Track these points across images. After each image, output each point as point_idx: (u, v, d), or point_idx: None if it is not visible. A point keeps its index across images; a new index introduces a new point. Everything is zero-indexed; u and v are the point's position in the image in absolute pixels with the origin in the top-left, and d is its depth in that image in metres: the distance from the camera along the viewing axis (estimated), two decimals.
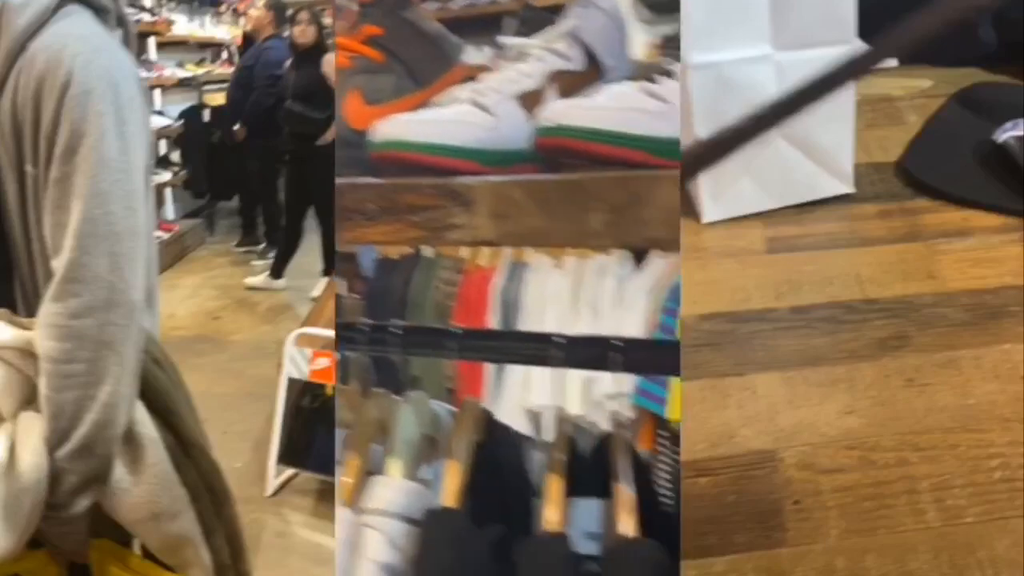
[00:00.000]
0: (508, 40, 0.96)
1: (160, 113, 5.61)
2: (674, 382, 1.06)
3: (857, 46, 1.25)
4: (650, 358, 0.93)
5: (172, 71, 5.95)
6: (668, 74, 0.80)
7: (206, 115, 6.12)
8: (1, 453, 0.90)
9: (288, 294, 4.73)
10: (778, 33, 1.37)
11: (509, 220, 0.78)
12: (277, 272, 4.84)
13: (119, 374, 0.92)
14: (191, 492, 1.00)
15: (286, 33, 4.81)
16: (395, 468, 1.00)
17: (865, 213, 1.43)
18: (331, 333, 2.57)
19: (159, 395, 1.00)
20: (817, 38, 1.32)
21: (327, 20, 4.87)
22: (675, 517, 0.97)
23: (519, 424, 1.05)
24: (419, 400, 1.06)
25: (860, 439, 0.97)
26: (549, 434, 1.01)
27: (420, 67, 0.99)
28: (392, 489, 0.97)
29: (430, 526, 0.92)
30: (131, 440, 0.96)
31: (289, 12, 4.85)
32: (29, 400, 0.93)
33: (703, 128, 1.34)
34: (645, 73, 0.81)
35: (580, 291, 1.23)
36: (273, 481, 2.70)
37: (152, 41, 5.70)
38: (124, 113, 0.92)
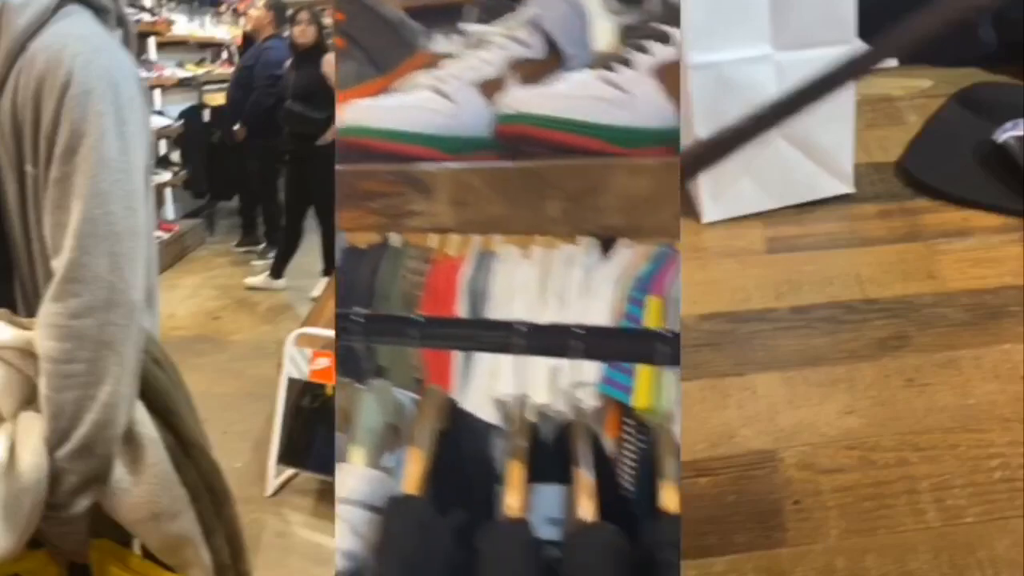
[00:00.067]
0: (469, 27, 0.96)
1: (160, 113, 5.61)
2: (642, 371, 1.07)
3: (857, 46, 1.25)
4: (611, 346, 0.94)
5: (172, 71, 5.95)
6: (628, 63, 0.80)
7: (206, 115, 6.12)
8: (1, 453, 0.90)
9: (288, 294, 4.73)
10: (778, 33, 1.37)
11: (468, 207, 0.78)
12: (277, 272, 4.84)
13: (119, 374, 0.92)
14: (191, 492, 1.00)
15: (286, 33, 4.81)
16: (357, 456, 1.00)
17: (865, 213, 1.43)
18: (331, 333, 2.57)
19: (159, 395, 1.00)
20: (817, 38, 1.32)
21: (327, 20, 4.86)
22: (636, 503, 0.97)
23: (487, 413, 1.06)
24: (382, 389, 1.07)
25: (860, 439, 0.97)
26: (513, 422, 1.02)
27: (381, 53, 0.99)
28: (354, 477, 0.98)
29: (391, 513, 0.93)
30: (131, 440, 0.96)
31: (289, 12, 4.85)
32: (29, 400, 0.93)
33: (703, 128, 1.34)
34: (605, 62, 0.81)
35: (548, 281, 1.24)
36: (273, 481, 2.70)
37: (152, 41, 5.69)
38: (124, 113, 0.92)
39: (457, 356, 1.26)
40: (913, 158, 1.57)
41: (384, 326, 1.01)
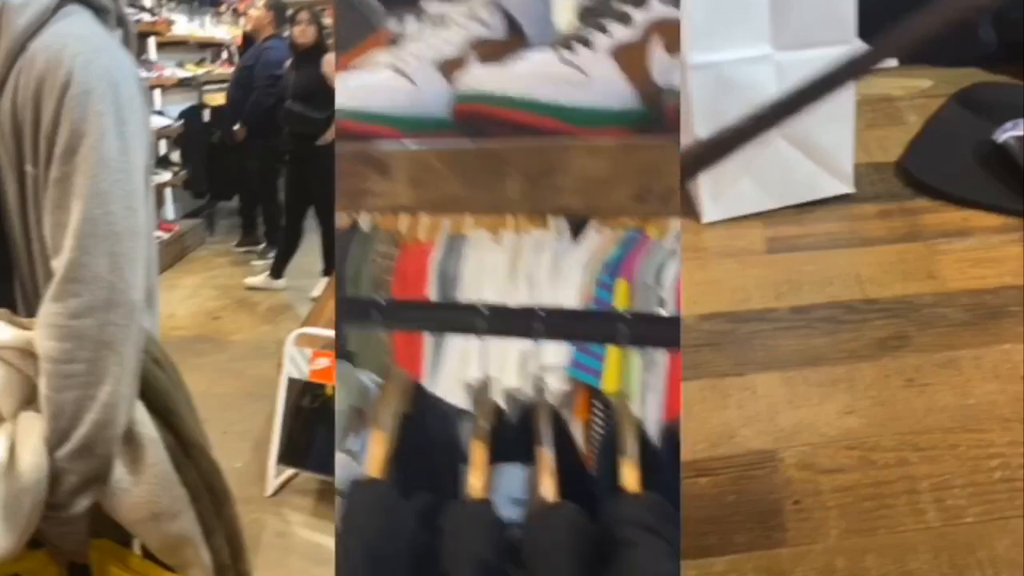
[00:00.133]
0: (430, 6, 0.95)
1: (160, 113, 5.61)
2: (611, 354, 1.07)
3: (857, 46, 1.25)
4: (573, 327, 0.94)
5: (172, 71, 5.95)
6: (587, 43, 0.80)
7: (206, 115, 6.12)
8: (1, 453, 0.90)
9: (288, 294, 4.73)
10: (778, 33, 1.36)
11: (426, 187, 0.78)
12: (277, 272, 4.84)
13: (119, 374, 0.92)
14: (191, 492, 1.00)
15: (286, 33, 4.82)
16: None
17: (865, 213, 1.43)
18: (331, 333, 2.57)
19: (159, 395, 1.00)
20: (817, 38, 1.32)
21: (327, 20, 4.87)
22: (597, 482, 0.97)
23: (457, 397, 1.06)
24: (346, 373, 1.07)
25: (860, 439, 0.97)
26: (478, 404, 1.03)
27: (341, 31, 0.99)
28: None
29: (354, 497, 0.93)
30: (131, 440, 0.96)
31: (289, 12, 4.85)
32: (29, 400, 0.93)
33: (703, 128, 1.34)
34: (565, 42, 0.81)
35: (518, 265, 1.24)
36: (273, 481, 2.70)
37: (152, 41, 5.70)
38: (124, 113, 0.92)
39: (427, 341, 1.26)
40: (913, 158, 1.57)
41: (350, 309, 1.01)
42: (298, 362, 2.71)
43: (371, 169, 0.80)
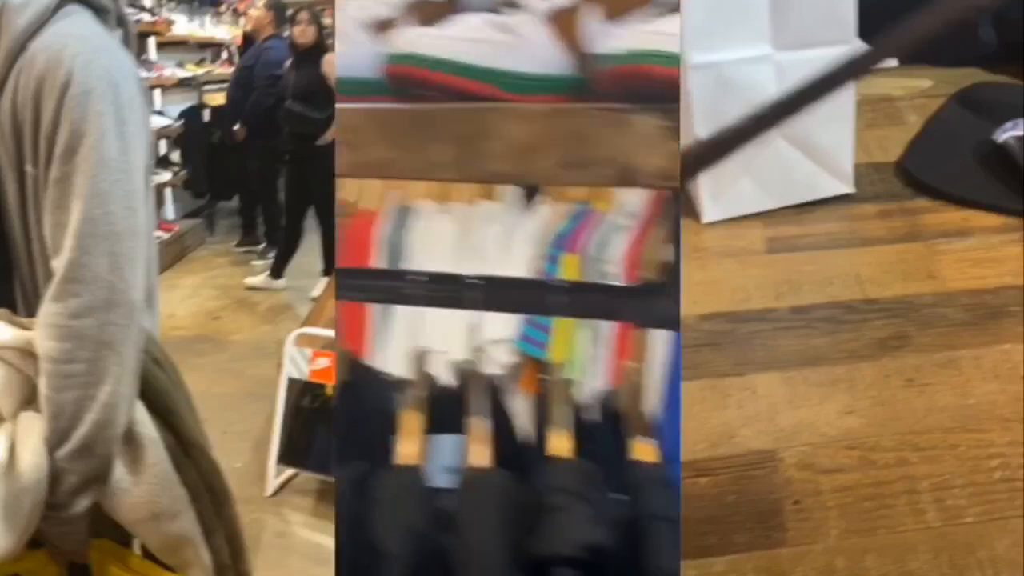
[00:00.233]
0: None
1: (160, 113, 5.61)
2: (558, 327, 1.07)
3: (857, 46, 1.25)
4: (507, 296, 0.94)
5: (172, 71, 5.95)
6: (522, 8, 0.79)
7: (206, 115, 6.12)
8: (1, 453, 0.90)
9: (288, 294, 4.73)
10: (778, 33, 1.37)
11: (354, 150, 0.77)
12: (277, 272, 4.84)
13: (119, 374, 0.92)
14: (191, 492, 1.00)
15: (286, 33, 4.81)
16: None
17: (865, 213, 1.43)
18: (331, 333, 2.57)
19: (159, 395, 0.99)
20: (817, 38, 1.32)
21: (327, 20, 4.86)
22: (528, 450, 0.97)
23: (402, 370, 1.06)
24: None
25: (860, 439, 0.97)
26: (415, 374, 1.02)
27: None
28: None
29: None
30: (131, 440, 0.95)
31: (289, 12, 4.84)
32: (29, 400, 0.93)
33: (703, 128, 1.34)
34: (500, 6, 0.80)
35: (467, 236, 1.22)
36: (273, 481, 2.69)
37: (152, 41, 5.69)
38: (124, 113, 0.92)
39: (372, 313, 1.25)
40: (913, 158, 1.57)
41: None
42: (298, 362, 2.71)
43: None
